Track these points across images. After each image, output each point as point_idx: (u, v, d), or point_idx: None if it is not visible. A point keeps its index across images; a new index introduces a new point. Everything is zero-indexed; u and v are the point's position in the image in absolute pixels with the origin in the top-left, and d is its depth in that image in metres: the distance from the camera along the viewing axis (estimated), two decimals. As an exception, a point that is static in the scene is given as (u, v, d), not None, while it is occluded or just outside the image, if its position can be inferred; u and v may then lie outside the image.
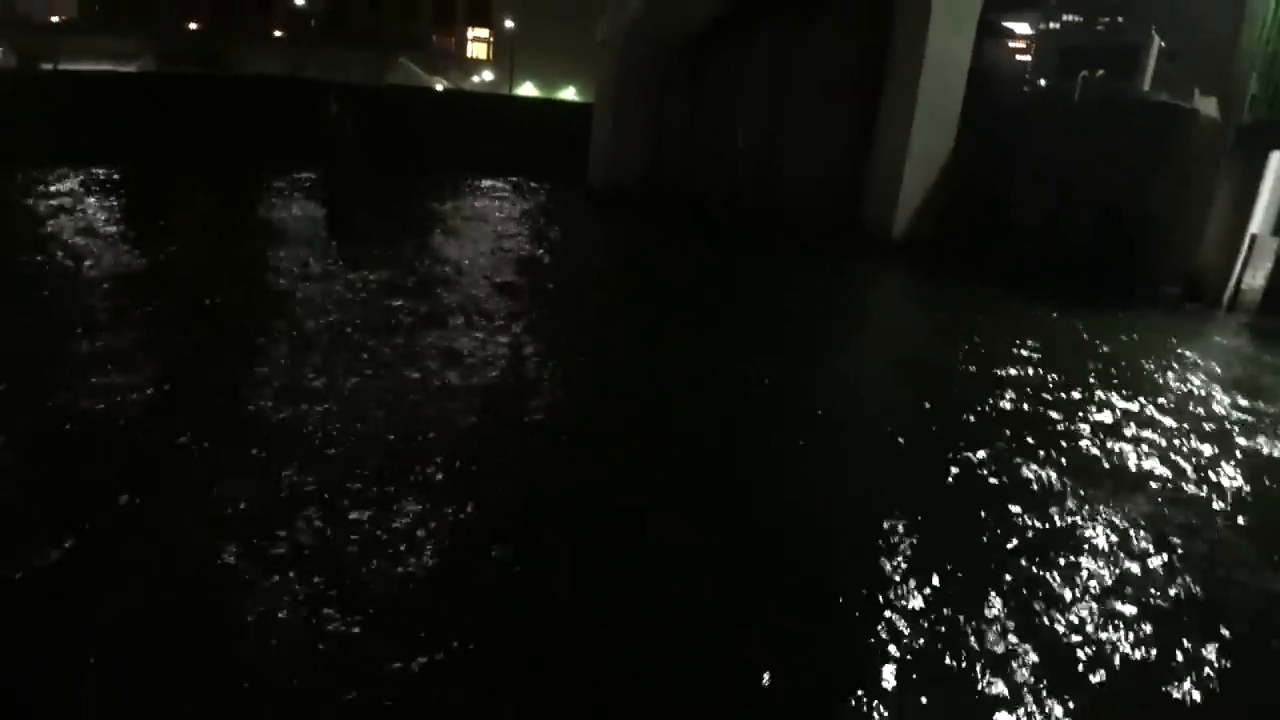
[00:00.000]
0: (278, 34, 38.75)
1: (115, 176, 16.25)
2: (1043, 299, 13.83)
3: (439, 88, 36.33)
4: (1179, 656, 4.18)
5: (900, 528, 5.27)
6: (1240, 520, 6.05)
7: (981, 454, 6.72)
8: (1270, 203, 18.81)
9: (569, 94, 39.19)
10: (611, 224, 17.83)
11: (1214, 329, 15.32)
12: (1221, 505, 6.28)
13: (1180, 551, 5.40)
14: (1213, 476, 6.78)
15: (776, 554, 4.92)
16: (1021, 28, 22.17)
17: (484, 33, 44.71)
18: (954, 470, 6.41)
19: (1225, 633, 4.44)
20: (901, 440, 7.05)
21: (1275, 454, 7.60)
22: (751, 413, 7.44)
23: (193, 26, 38.68)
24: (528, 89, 41.53)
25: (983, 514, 5.65)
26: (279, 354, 7.43)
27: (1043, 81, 18.41)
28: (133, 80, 23.47)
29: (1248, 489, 6.65)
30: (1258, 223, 18.46)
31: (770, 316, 11.39)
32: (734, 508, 5.53)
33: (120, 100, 19.24)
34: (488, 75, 43.85)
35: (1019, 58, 21.08)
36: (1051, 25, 21.45)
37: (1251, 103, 17.95)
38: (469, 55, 44.99)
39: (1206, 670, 4.10)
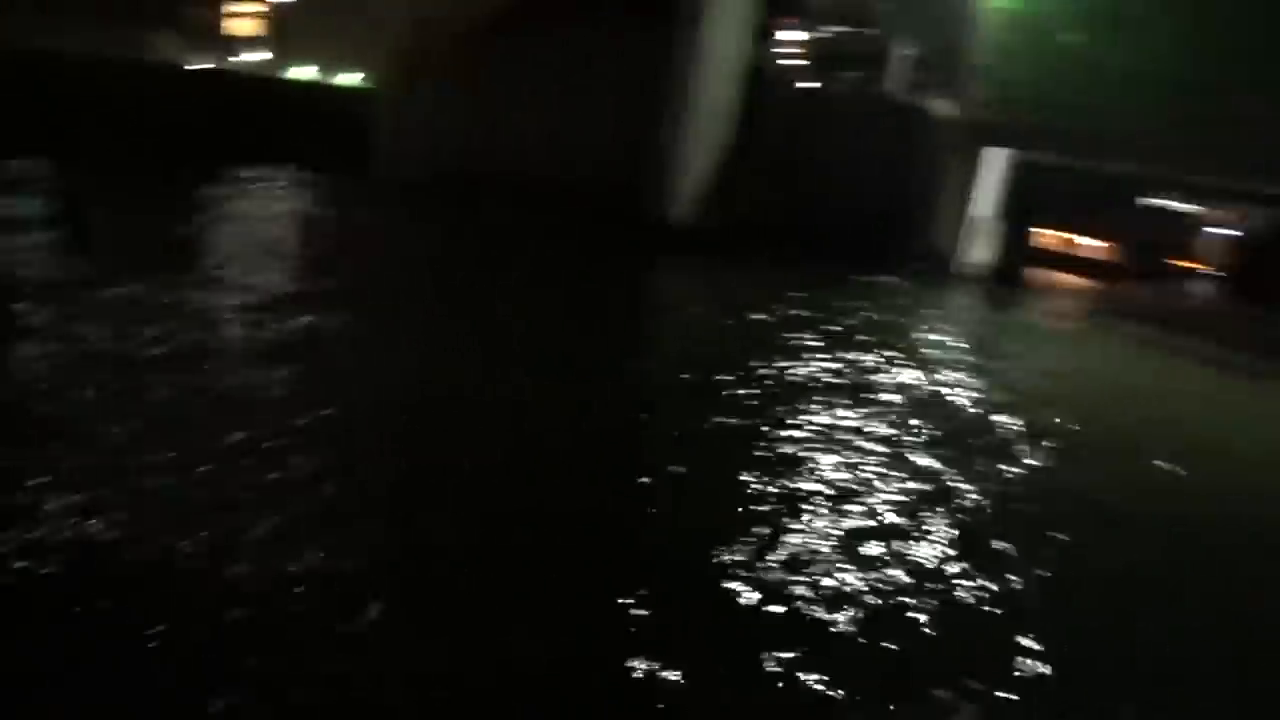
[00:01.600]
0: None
1: None
2: (814, 277, 15.37)
3: (205, 66, 32.87)
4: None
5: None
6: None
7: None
8: (989, 190, 22.14)
9: (352, 78, 36.98)
10: (393, 220, 16.98)
11: (953, 295, 18.07)
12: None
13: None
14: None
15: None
16: (792, 33, 24.19)
17: (256, 8, 41.04)
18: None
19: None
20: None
21: (965, 363, 10.35)
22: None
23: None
24: (308, 71, 38.63)
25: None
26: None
27: (807, 83, 20.25)
28: None
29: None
30: (980, 206, 21.68)
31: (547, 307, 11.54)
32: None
33: None
34: (261, 54, 40.32)
35: (790, 60, 22.98)
36: (815, 32, 23.59)
37: (976, 104, 20.95)
38: (235, 31, 41.13)
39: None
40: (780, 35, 24.13)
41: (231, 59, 39.09)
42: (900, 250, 18.18)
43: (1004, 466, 7.23)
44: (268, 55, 40.26)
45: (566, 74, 18.16)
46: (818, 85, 18.92)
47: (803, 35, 24.38)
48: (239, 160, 18.87)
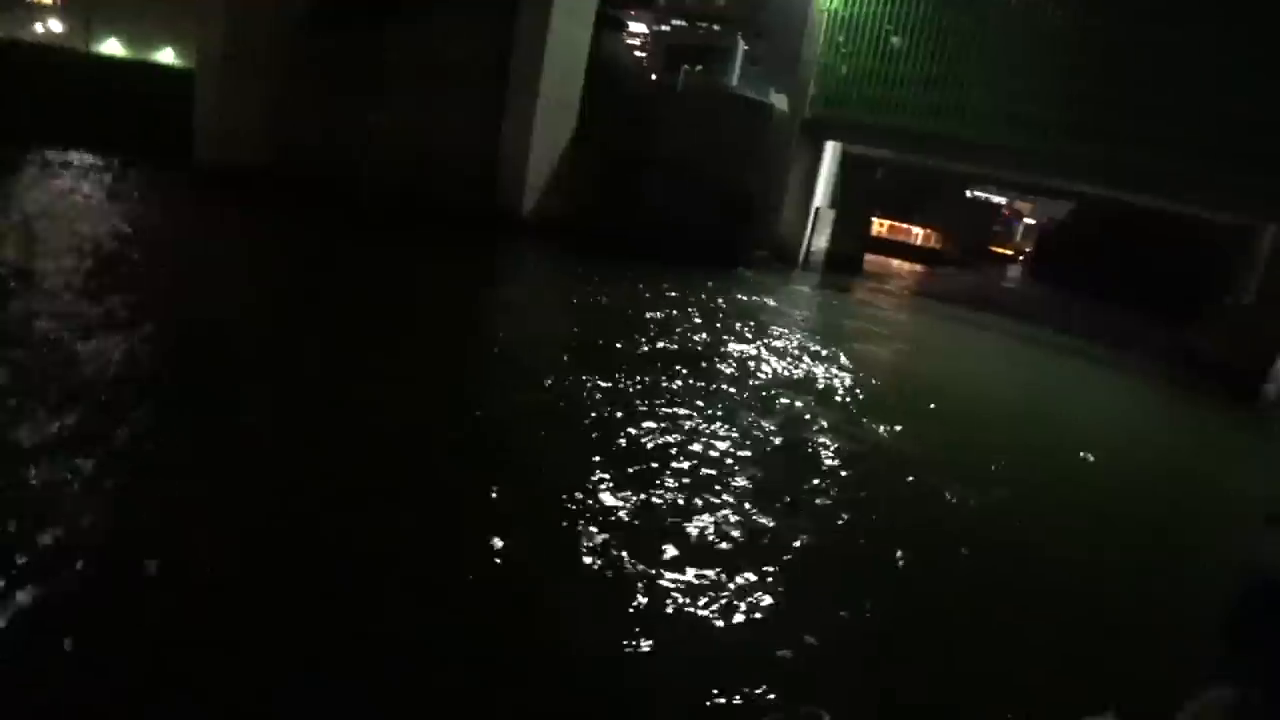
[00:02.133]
0: None
1: None
2: (662, 266, 15.67)
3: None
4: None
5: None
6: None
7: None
8: (827, 182, 23.52)
9: (166, 56, 33.66)
10: (220, 213, 15.46)
11: (791, 281, 19.12)
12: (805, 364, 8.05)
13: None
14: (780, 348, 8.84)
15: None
16: (639, 26, 24.50)
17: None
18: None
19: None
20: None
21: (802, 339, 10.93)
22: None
23: None
24: (112, 46, 34.78)
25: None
26: None
27: (654, 76, 20.60)
28: None
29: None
30: (819, 198, 22.99)
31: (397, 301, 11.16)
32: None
33: None
34: (56, 25, 35.93)
35: (637, 53, 23.28)
36: (661, 26, 24.03)
37: (812, 101, 22.16)
38: (27, -1, 36.42)
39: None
40: (629, 28, 24.47)
41: (25, 29, 34.67)
42: (745, 239, 18.95)
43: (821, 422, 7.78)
44: (62, 28, 36.04)
45: (418, 61, 17.49)
46: (664, 78, 19.27)
47: (650, 29, 24.84)
48: (42, 142, 16.87)
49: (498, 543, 4.41)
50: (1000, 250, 59.76)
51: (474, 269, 14.13)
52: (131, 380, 5.83)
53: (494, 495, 5.03)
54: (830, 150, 23.44)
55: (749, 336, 11.49)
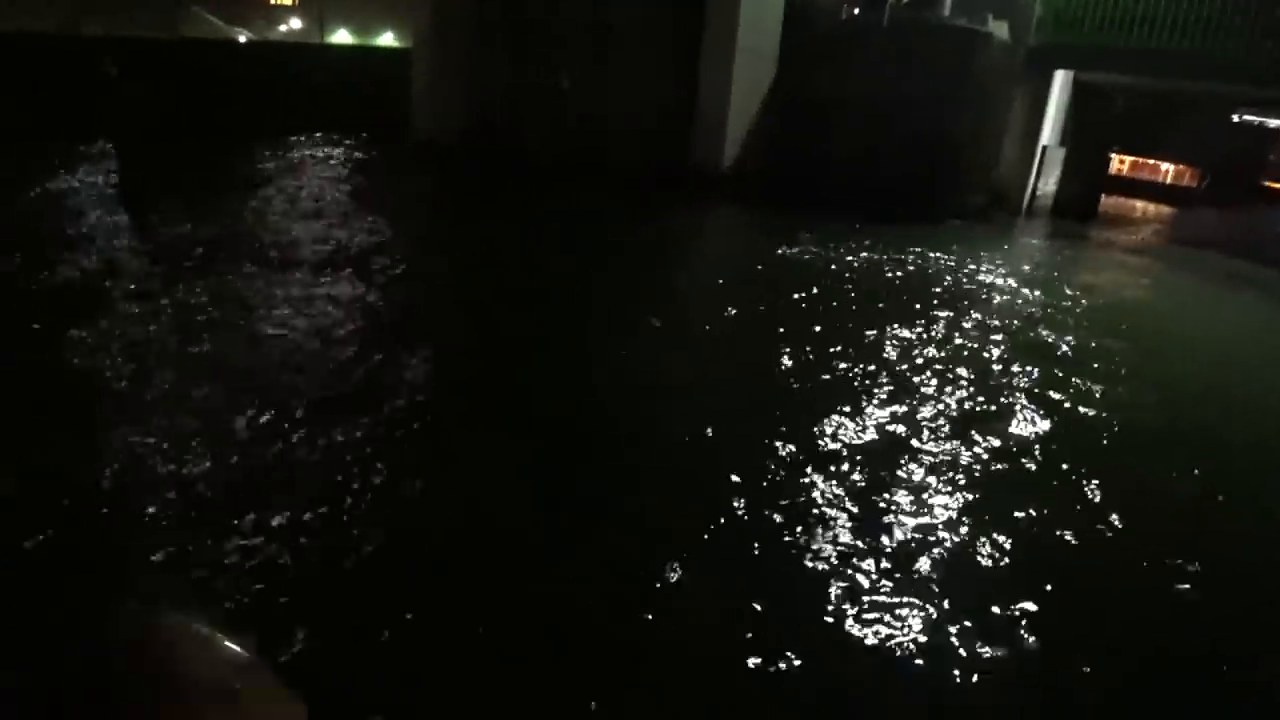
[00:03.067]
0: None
1: None
2: (870, 219, 14.66)
3: (241, 39, 33.03)
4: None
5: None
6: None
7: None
8: (1056, 117, 20.73)
9: (386, 40, 36.63)
10: (436, 179, 16.80)
11: (1007, 232, 17.20)
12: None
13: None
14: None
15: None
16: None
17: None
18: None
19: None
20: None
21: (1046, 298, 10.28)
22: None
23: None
24: (341, 36, 38.46)
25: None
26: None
27: (856, 11, 19.06)
28: None
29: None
30: (1046, 135, 20.32)
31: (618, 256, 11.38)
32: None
33: None
34: (295, 23, 40.27)
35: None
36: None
37: (1037, 25, 19.50)
38: (273, 1, 41.12)
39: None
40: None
41: (272, 29, 39.23)
42: (955, 185, 17.20)
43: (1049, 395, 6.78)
44: (301, 24, 40.24)
45: (599, 21, 17.48)
46: (866, 15, 17.76)
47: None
48: (286, 129, 18.92)
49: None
50: (1277, 185, 50.23)
51: (668, 226, 14.02)
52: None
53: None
54: (1060, 80, 20.55)
55: (976, 296, 10.36)
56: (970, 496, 5.16)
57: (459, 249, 11.20)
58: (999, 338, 8.84)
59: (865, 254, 12.55)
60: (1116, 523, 4.99)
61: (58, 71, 16.75)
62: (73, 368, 5.87)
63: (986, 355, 8.19)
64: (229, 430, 5.08)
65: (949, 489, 5.24)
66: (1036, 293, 11.35)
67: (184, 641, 0.63)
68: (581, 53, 17.71)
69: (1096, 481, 5.51)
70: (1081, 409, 6.92)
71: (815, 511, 4.76)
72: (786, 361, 7.40)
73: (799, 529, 4.55)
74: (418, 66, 19.58)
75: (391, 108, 19.58)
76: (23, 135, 15.04)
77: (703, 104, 16.80)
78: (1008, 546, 4.62)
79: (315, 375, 6.10)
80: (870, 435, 5.95)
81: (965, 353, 8.15)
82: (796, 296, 9.77)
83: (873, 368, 7.41)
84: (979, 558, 4.50)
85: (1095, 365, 8.14)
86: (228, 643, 0.65)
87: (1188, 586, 4.36)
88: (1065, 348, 8.76)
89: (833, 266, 11.52)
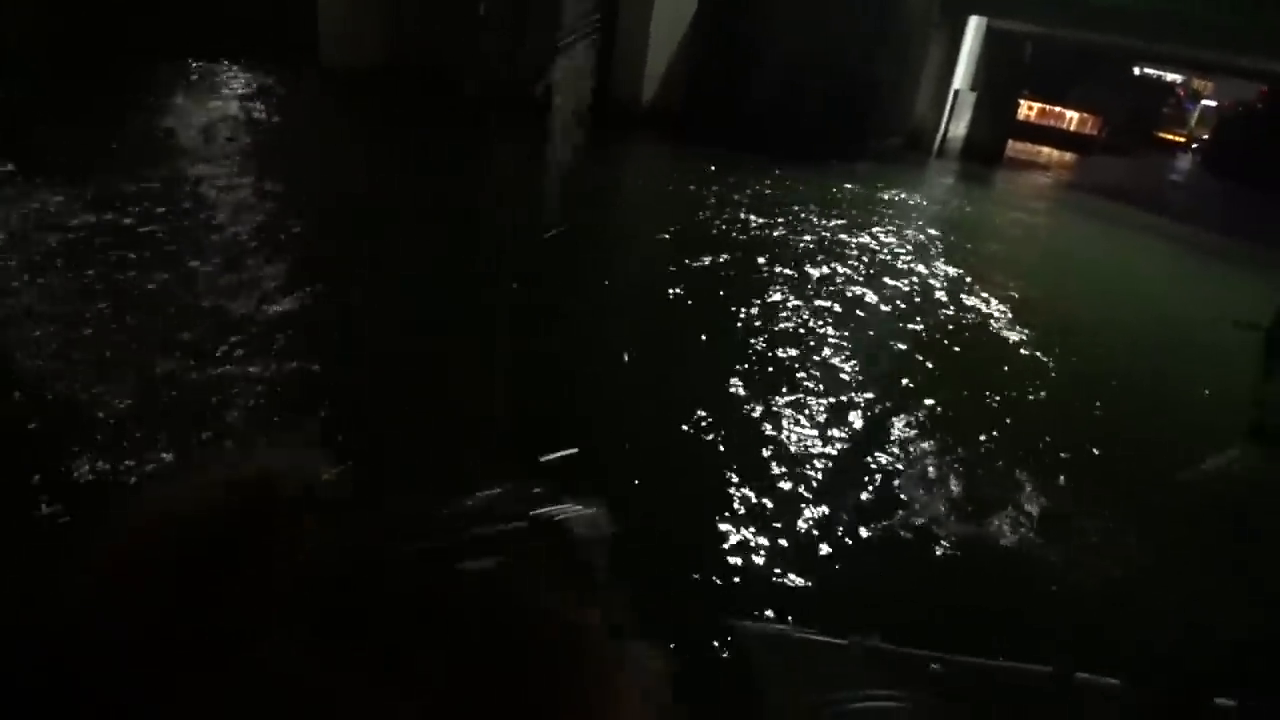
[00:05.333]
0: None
1: None
2: (788, 158, 14.86)
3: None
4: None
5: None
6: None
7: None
8: (969, 62, 21.30)
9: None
10: (349, 112, 15.96)
11: (929, 171, 17.77)
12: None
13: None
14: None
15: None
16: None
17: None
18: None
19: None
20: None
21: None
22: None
23: None
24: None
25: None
26: None
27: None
28: None
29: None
30: (959, 79, 20.91)
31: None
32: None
33: None
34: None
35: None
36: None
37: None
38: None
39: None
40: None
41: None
42: (876, 128, 17.59)
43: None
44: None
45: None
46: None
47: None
48: (179, 52, 17.50)
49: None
50: (1169, 136, 52.91)
51: (585, 160, 13.86)
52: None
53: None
54: (974, 26, 21.05)
55: (879, 230, 10.76)
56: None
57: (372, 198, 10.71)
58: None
59: (772, 191, 12.76)
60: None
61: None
62: None
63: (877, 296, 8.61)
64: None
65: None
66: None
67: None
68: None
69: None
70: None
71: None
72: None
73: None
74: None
75: (295, 31, 18.34)
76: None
77: (622, 33, 16.48)
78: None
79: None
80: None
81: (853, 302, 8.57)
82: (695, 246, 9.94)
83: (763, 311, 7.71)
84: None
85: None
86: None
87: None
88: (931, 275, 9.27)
89: (741, 200, 11.70)
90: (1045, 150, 33.29)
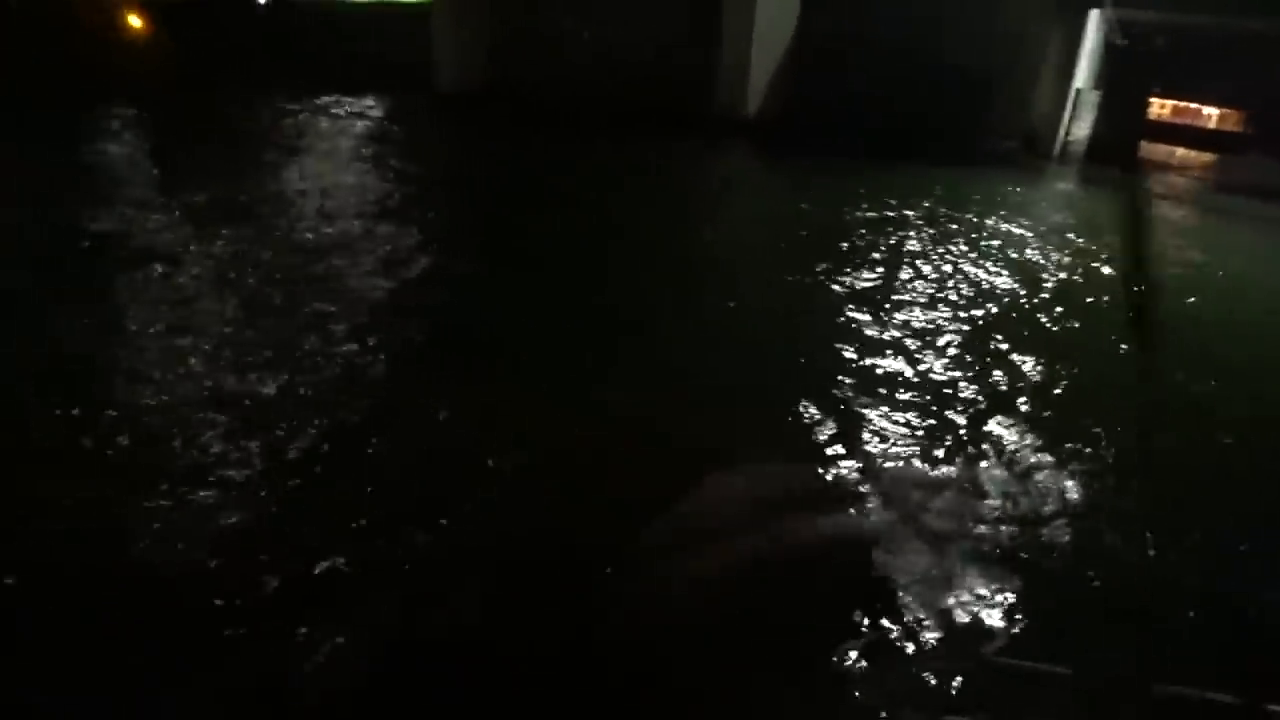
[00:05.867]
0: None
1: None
2: (898, 161, 14.42)
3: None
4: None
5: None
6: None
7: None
8: (1091, 58, 20.04)
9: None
10: (462, 128, 16.89)
11: (1049, 176, 16.75)
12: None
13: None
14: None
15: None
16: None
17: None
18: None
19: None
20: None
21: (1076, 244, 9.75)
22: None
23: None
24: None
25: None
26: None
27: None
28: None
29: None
30: (1081, 77, 19.68)
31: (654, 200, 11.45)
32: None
33: None
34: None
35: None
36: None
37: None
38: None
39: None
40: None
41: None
42: (990, 128, 16.79)
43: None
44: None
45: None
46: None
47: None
48: (310, 88, 18.93)
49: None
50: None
51: (681, 172, 13.94)
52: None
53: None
54: (1095, 19, 19.82)
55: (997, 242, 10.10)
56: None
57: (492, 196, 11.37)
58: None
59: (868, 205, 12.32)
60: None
61: (86, 33, 17.00)
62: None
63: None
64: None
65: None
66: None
67: None
68: (603, 3, 17.56)
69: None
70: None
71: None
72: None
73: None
74: (437, 19, 19.52)
75: (412, 62, 19.60)
76: (60, 97, 15.26)
77: (725, 47, 16.55)
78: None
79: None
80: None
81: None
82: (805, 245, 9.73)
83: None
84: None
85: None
86: None
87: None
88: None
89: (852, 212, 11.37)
90: (1182, 151, 30.77)
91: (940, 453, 4.84)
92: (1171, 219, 14.87)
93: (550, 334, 6.34)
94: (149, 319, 6.04)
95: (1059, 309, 7.69)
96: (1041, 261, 9.41)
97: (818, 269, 8.28)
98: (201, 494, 3.99)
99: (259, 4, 30.80)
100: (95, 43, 15.28)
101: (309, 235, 8.38)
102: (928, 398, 5.56)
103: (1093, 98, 19.99)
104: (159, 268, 7.12)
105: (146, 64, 13.25)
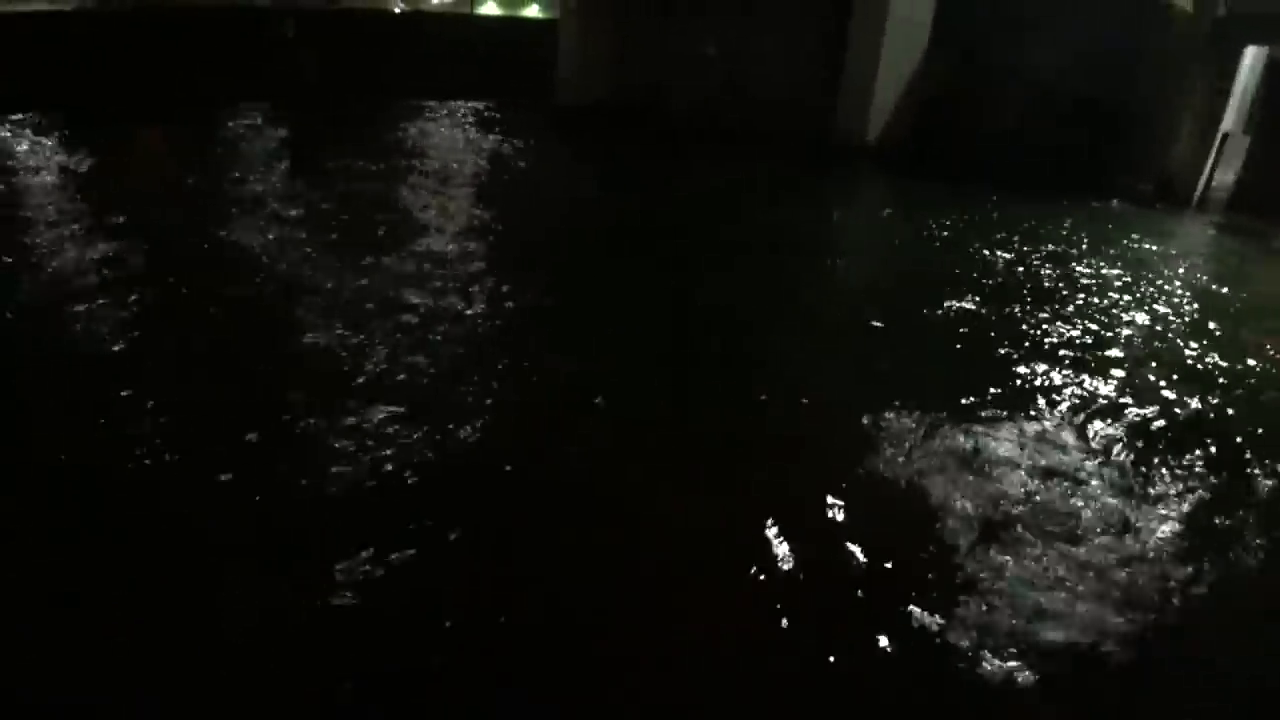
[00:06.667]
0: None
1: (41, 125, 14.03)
2: (1021, 195, 13.93)
3: (396, 9, 34.78)
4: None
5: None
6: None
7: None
8: (1243, 99, 18.76)
9: (533, 10, 37.65)
10: (583, 143, 17.29)
11: (1186, 224, 15.81)
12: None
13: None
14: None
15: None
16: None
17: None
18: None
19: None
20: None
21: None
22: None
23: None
24: (489, 8, 39.80)
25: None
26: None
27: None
28: (65, 20, 21.42)
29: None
30: (1229, 121, 18.44)
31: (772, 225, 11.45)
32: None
33: (49, 42, 17.64)
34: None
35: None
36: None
37: (1224, -5, 17.65)
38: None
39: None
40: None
41: (426, 0, 40.93)
42: (1126, 172, 15.95)
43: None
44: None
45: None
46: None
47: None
48: (437, 94, 19.90)
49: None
50: None
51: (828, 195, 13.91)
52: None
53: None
54: (1251, 57, 18.53)
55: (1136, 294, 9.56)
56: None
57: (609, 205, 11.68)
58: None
59: (1000, 234, 11.89)
60: None
61: (236, 37, 18.33)
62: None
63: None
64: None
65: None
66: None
67: None
68: (728, 19, 17.65)
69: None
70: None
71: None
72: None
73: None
74: (564, 34, 20.08)
75: (538, 76, 20.22)
76: (207, 99, 16.59)
77: (849, 73, 16.35)
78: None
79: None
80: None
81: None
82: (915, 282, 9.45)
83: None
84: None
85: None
86: None
87: None
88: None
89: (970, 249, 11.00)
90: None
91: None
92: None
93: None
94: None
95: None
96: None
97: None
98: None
99: (395, 12, 32.49)
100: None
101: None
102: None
103: (1243, 144, 18.70)
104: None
105: (301, 67, 14.35)
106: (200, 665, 3.02)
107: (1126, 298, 9.08)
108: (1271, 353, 7.47)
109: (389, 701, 2.85)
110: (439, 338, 6.20)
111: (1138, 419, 5.80)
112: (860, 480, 4.60)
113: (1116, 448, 5.31)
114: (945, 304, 8.05)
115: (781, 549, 3.85)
